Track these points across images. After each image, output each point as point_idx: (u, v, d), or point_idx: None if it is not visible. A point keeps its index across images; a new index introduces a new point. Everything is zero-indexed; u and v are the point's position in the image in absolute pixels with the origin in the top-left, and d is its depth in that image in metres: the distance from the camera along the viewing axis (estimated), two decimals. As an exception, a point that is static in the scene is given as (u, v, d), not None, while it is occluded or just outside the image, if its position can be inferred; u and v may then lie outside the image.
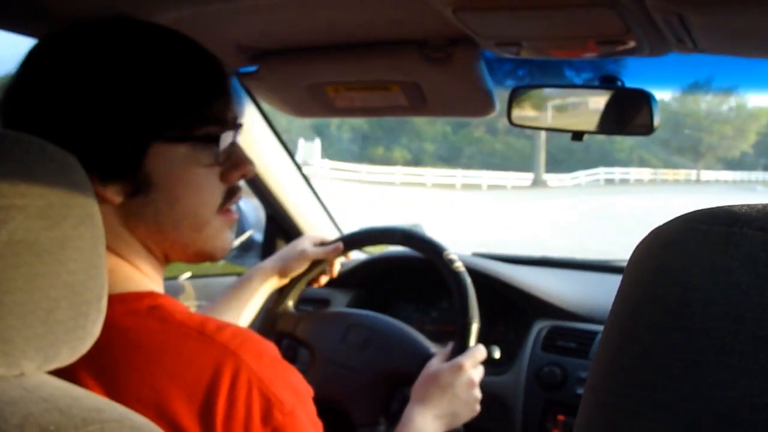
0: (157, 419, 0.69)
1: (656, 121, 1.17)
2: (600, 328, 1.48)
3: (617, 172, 36.19)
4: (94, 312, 0.56)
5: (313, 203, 1.93)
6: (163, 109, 0.80)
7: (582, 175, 34.30)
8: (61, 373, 0.56)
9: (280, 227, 1.92)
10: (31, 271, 0.50)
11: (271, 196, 1.81)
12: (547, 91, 1.31)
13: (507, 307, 1.65)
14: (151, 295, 0.80)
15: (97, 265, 0.56)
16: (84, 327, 0.55)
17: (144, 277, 0.84)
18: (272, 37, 1.28)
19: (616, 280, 0.49)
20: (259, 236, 1.96)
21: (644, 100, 1.17)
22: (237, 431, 0.72)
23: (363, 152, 35.53)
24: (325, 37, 1.25)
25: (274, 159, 1.75)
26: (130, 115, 0.78)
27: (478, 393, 1.21)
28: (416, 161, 36.24)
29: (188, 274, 1.84)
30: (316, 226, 1.94)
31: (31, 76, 0.80)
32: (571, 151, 36.97)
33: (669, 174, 39.60)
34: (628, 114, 1.20)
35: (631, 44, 0.99)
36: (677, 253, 0.38)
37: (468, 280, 1.30)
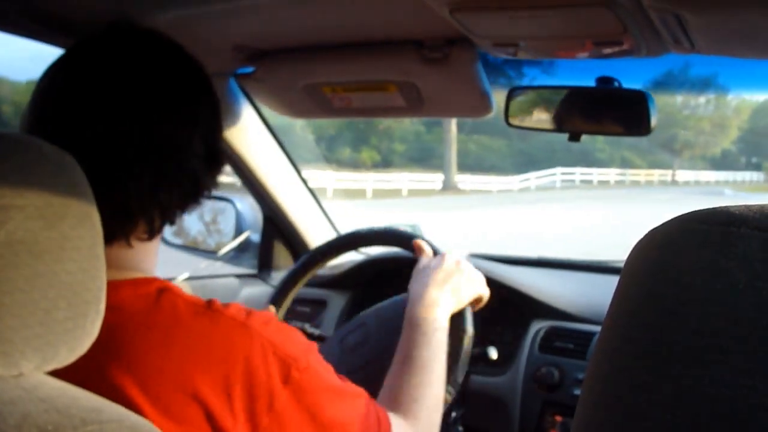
0: (179, 393, 0.73)
1: (653, 121, 1.17)
2: (597, 328, 1.48)
3: (578, 173, 31.39)
4: (92, 312, 0.56)
5: (310, 204, 1.93)
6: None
7: (533, 177, 29.78)
8: (78, 364, 0.57)
9: (278, 228, 1.92)
10: (29, 271, 0.50)
11: (268, 197, 1.81)
12: (545, 91, 1.32)
13: (504, 308, 1.65)
14: (158, 280, 0.84)
15: (95, 266, 0.56)
16: (83, 327, 0.55)
17: (150, 263, 0.89)
18: (269, 38, 1.28)
19: (613, 280, 0.49)
20: (256, 237, 1.96)
21: (641, 100, 1.17)
22: (261, 396, 0.77)
23: (330, 155, 32.68)
24: (322, 37, 1.25)
25: (271, 160, 1.75)
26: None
27: (472, 269, 1.23)
28: (386, 163, 33.51)
29: (186, 275, 1.84)
30: (314, 227, 1.94)
31: (70, 87, 0.83)
32: (552, 151, 34.06)
33: (641, 175, 35.76)
34: (626, 115, 1.21)
35: (629, 45, 0.99)
36: (674, 253, 0.38)
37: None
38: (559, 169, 30.20)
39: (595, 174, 32.63)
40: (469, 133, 36.99)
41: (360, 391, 0.89)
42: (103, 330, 0.59)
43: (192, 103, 0.87)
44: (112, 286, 0.76)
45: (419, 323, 1.11)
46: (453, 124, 28.71)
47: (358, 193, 23.32)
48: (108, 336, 0.71)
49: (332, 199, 20.63)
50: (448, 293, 1.16)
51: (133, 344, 0.76)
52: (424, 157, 35.17)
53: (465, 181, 27.89)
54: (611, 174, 33.83)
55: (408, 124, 36.45)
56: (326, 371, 0.86)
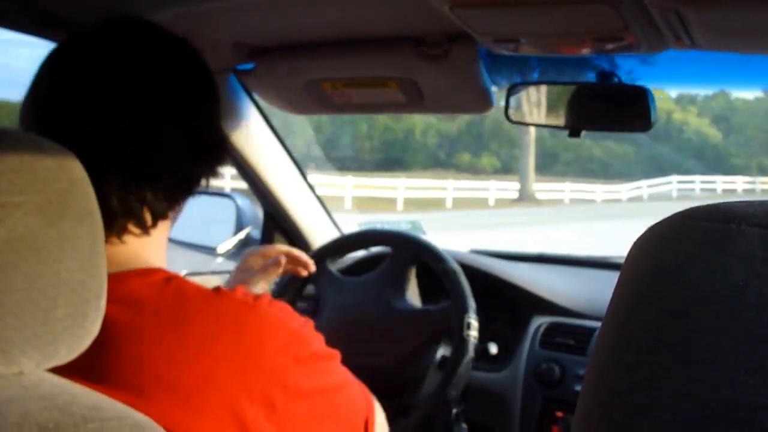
0: (195, 379, 0.74)
1: (653, 117, 1.17)
2: (598, 324, 1.48)
3: (697, 181, 26.56)
4: (92, 311, 0.56)
5: (311, 201, 1.93)
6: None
7: (645, 185, 25.52)
8: (87, 357, 0.57)
9: (278, 225, 1.92)
10: (29, 269, 0.50)
11: (269, 193, 1.81)
12: (545, 87, 1.32)
13: (505, 304, 1.65)
14: (163, 270, 0.84)
15: (96, 264, 0.56)
16: (82, 325, 0.55)
17: (148, 257, 0.89)
18: (269, 34, 1.28)
19: (614, 276, 0.49)
20: (256, 233, 1.96)
21: (642, 96, 1.17)
22: (275, 374, 0.78)
23: (449, 159, 30.75)
24: (323, 33, 1.25)
25: (271, 156, 1.75)
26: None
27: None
28: (506, 169, 30.05)
29: (185, 271, 1.84)
30: (314, 224, 1.94)
31: (66, 82, 0.83)
32: (683, 158, 30.50)
33: (771, 182, 29.82)
34: (626, 110, 1.21)
35: (629, 41, 0.99)
36: (674, 250, 0.38)
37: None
38: (674, 177, 26.34)
39: (719, 182, 27.63)
40: (596, 138, 32.08)
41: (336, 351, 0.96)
42: (114, 321, 0.59)
43: (192, 98, 0.86)
44: (117, 278, 0.76)
45: None
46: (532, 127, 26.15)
47: (440, 203, 19.70)
48: (119, 327, 0.73)
49: (402, 212, 16.66)
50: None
51: (144, 332, 0.76)
52: (546, 164, 30.73)
53: (565, 189, 24.53)
54: (738, 182, 28.47)
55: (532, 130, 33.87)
56: (321, 340, 0.90)
